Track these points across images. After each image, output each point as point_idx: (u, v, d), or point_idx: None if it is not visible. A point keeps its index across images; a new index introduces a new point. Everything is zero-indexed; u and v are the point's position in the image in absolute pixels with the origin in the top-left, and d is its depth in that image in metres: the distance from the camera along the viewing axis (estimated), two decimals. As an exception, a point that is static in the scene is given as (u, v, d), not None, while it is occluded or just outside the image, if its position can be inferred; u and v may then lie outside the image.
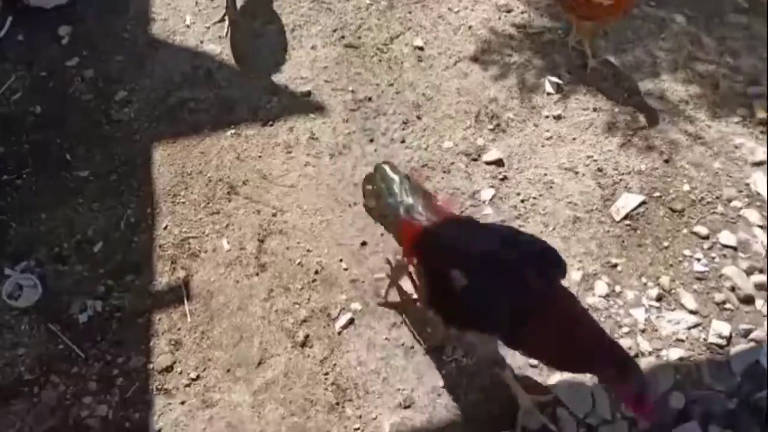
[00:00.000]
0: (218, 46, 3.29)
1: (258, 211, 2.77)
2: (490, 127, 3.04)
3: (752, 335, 2.47)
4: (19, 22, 3.41)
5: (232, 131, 3.00)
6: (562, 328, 1.86)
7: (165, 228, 2.73)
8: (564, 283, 2.04)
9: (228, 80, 3.17)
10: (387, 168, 2.31)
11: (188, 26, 3.37)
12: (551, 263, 1.99)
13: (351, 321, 2.49)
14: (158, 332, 2.48)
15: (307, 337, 2.45)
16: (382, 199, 2.25)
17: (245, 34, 3.35)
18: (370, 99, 3.13)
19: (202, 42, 3.31)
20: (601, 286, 2.59)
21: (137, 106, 3.09)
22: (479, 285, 1.93)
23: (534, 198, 2.83)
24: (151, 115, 3.06)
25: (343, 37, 3.33)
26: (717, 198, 2.81)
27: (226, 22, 3.32)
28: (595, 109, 3.07)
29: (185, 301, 2.54)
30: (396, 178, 2.25)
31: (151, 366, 2.41)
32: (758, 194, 2.82)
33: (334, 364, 2.39)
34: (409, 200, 2.19)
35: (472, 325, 2.06)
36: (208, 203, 2.79)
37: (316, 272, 2.61)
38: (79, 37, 3.35)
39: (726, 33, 3.34)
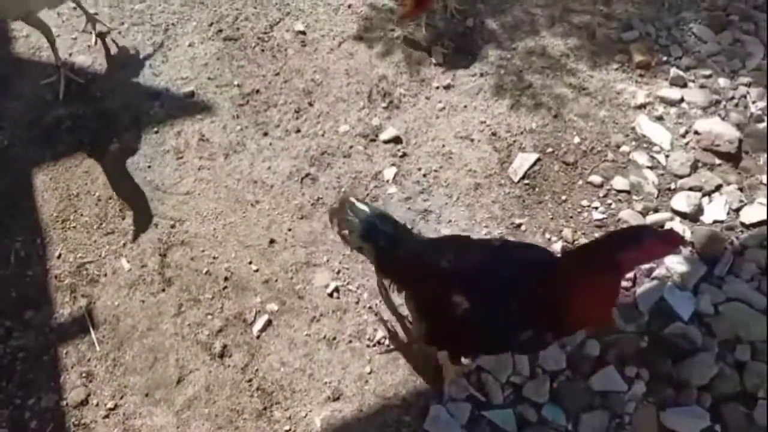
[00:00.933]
0: (89, 57, 3.11)
1: (155, 225, 2.66)
2: (384, 105, 3.02)
3: (654, 273, 2.59)
4: None
5: (115, 145, 2.86)
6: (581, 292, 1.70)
7: (59, 257, 2.58)
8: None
9: (104, 91, 3.01)
10: (354, 201, 2.19)
11: (53, 39, 3.16)
12: (545, 264, 1.90)
13: (268, 323, 2.45)
14: (67, 366, 2.36)
15: (224, 347, 2.39)
16: (355, 232, 2.14)
17: (115, 38, 3.18)
18: (258, 91, 3.05)
19: (71, 54, 3.12)
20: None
21: (10, 132, 2.89)
22: (485, 304, 1.81)
23: (435, 171, 2.85)
24: (26, 139, 2.87)
25: (220, 30, 3.22)
26: (606, 146, 2.92)
27: (93, 33, 3.13)
28: (482, 74, 3.11)
29: (91, 330, 2.42)
30: (366, 209, 2.14)
31: (64, 402, 2.29)
32: (644, 136, 2.95)
33: (257, 370, 2.35)
34: (388, 229, 2.10)
35: (487, 350, 1.99)
36: (101, 224, 2.66)
37: (226, 279, 2.54)
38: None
39: (596, -18, 3.44)
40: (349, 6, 3.32)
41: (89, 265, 2.57)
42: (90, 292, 2.51)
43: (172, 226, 2.65)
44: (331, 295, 2.52)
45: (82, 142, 2.86)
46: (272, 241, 2.64)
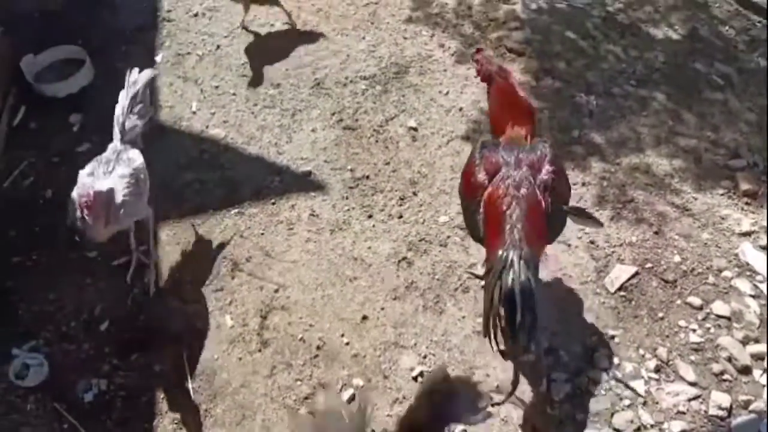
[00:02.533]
0: (223, 131, 3.45)
1: (261, 288, 2.83)
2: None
3: (752, 406, 2.49)
4: (33, 110, 3.58)
5: (236, 210, 3.11)
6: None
7: (171, 306, 2.79)
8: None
9: (232, 162, 3.31)
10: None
11: (194, 112, 3.55)
12: None
13: (353, 397, 2.51)
14: (162, 411, 2.49)
15: (310, 414, 2.46)
16: None
17: (248, 118, 3.52)
18: (367, 177, 3.26)
19: (207, 127, 3.48)
20: (600, 359, 2.62)
21: (144, 188, 3.21)
22: None
23: (529, 270, 2.90)
24: (157, 196, 3.15)
25: (341, 120, 3.51)
26: (707, 268, 2.89)
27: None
28: (583, 184, 3.19)
29: (189, 380, 2.56)
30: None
31: (155, 446, 2.41)
32: (747, 264, 2.90)
33: (337, 441, 2.39)
34: None
35: None
36: (212, 280, 2.87)
37: (318, 347, 2.65)
38: (89, 124, 3.51)
39: (705, 109, 3.52)
40: (460, 109, 3.55)
41: (196, 317, 2.75)
42: (193, 342, 2.67)
43: (276, 291, 2.82)
44: (415, 378, 2.57)
45: (206, 204, 3.13)
46: (365, 318, 2.75)
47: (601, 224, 2.67)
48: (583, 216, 2.54)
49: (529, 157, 2.35)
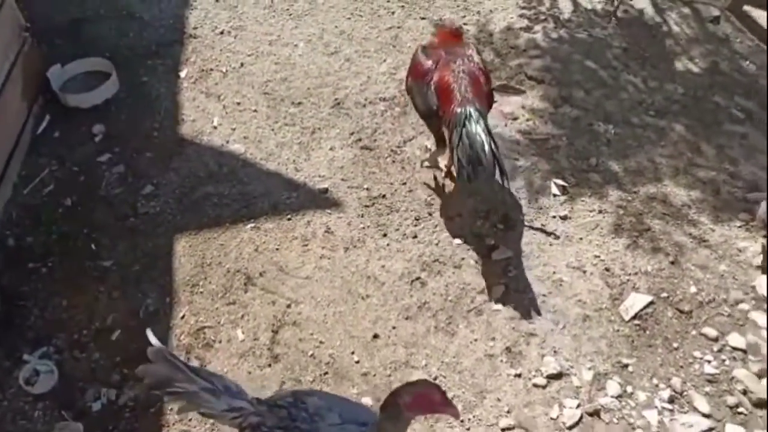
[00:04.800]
0: (243, 146, 3.49)
1: (273, 302, 2.84)
2: (500, 225, 3.15)
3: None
4: (57, 119, 3.65)
5: (252, 224, 3.13)
6: None
7: (182, 317, 2.80)
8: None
9: (250, 177, 3.34)
10: None
11: (215, 127, 3.59)
12: None
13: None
14: (169, 423, 2.48)
15: None
16: None
17: (268, 134, 3.57)
18: (384, 196, 3.28)
19: (227, 142, 3.52)
20: (613, 387, 2.59)
21: (163, 200, 3.25)
22: None
23: (543, 295, 2.89)
24: (175, 208, 3.21)
25: (359, 139, 3.53)
26: (724, 300, 2.86)
27: None
28: (600, 211, 3.18)
29: (198, 391, 2.55)
30: None
31: (160, 457, 2.40)
32: (765, 297, 2.86)
33: (344, 460, 2.37)
34: None
35: None
36: (225, 293, 2.88)
37: (328, 364, 2.64)
38: (111, 135, 3.57)
39: (724, 141, 3.51)
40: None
41: (207, 330, 2.76)
42: (203, 355, 2.67)
43: (288, 306, 2.82)
44: (425, 400, 2.54)
45: (223, 217, 3.16)
46: (376, 336, 2.74)
47: (523, 91, 3.17)
48: (506, 89, 3.20)
49: (461, 51, 3.08)
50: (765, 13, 4.32)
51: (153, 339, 1.94)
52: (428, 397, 1.77)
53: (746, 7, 4.34)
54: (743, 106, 3.70)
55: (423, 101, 3.07)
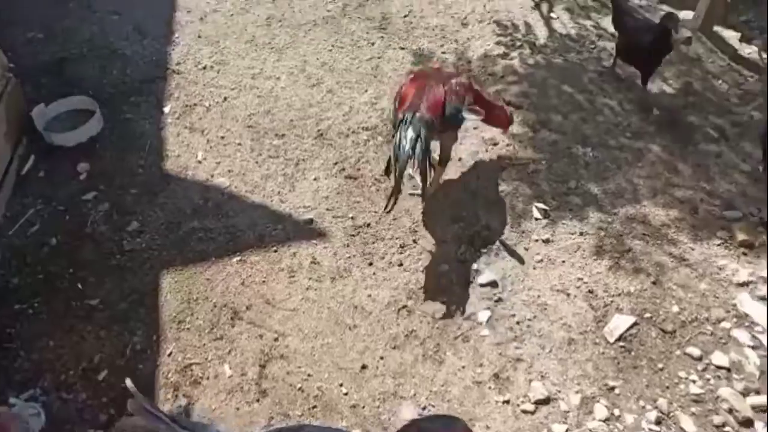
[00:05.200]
0: (227, 180, 3.52)
1: (260, 336, 2.84)
2: (484, 251, 3.19)
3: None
4: (42, 159, 3.67)
5: (238, 258, 3.15)
6: None
7: (169, 355, 2.80)
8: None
9: (236, 210, 3.37)
10: None
11: (200, 162, 3.62)
12: None
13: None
14: (158, 462, 2.46)
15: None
16: None
17: (253, 167, 3.60)
18: (369, 225, 3.31)
19: (212, 176, 3.55)
20: (600, 410, 2.61)
21: (148, 236, 3.26)
22: None
23: (529, 320, 2.91)
24: (161, 244, 3.22)
25: (343, 169, 3.58)
26: (706, 319, 2.90)
27: None
28: (581, 233, 3.23)
29: (186, 429, 2.54)
30: None
31: (148, 498, 2.37)
32: (746, 315, 2.91)
33: (335, 494, 2.36)
34: None
35: None
36: (212, 329, 2.88)
37: (316, 397, 2.64)
38: (96, 173, 3.58)
39: (700, 160, 3.59)
40: (460, 159, 3.62)
41: (195, 366, 2.76)
42: (191, 392, 2.67)
43: (275, 339, 2.83)
44: (415, 430, 2.54)
45: (209, 252, 3.17)
46: (364, 367, 2.75)
47: (481, 114, 3.15)
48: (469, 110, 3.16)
49: (448, 73, 3.27)
50: (734, 33, 4.44)
51: (132, 388, 1.92)
52: None
53: (716, 28, 4.46)
54: (717, 125, 3.79)
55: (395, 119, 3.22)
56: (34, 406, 2.58)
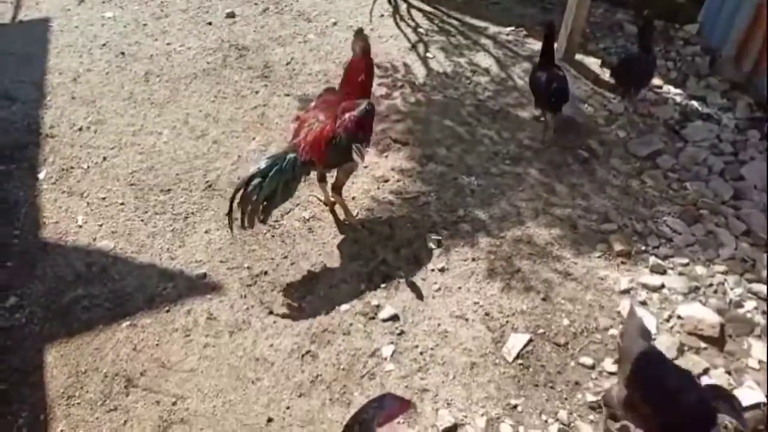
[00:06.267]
0: (112, 242, 3.38)
1: (157, 402, 2.71)
2: (383, 285, 3.22)
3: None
4: None
5: (128, 323, 3.01)
6: None
7: (58, 434, 2.61)
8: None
9: (122, 273, 3.22)
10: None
11: (80, 226, 3.46)
12: None
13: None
14: None
15: None
16: None
17: (139, 225, 3.47)
18: (266, 273, 3.27)
19: (95, 239, 3.39)
20: (506, 430, 2.67)
21: (29, 311, 3.05)
22: None
23: (431, 348, 2.96)
24: (43, 317, 3.02)
25: (236, 219, 3.52)
26: (595, 328, 3.06)
27: None
28: (474, 259, 3.34)
29: None
30: None
31: None
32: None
33: None
34: None
35: None
36: (105, 401, 2.71)
37: (222, 458, 2.54)
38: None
39: (574, 180, 3.83)
40: (353, 198, 3.67)
41: (88, 443, 2.58)
42: (85, 472, 2.49)
43: (174, 404, 2.70)
44: (327, 477, 2.50)
45: (95, 320, 3.01)
46: (270, 420, 2.68)
47: (362, 157, 3.23)
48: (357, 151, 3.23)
49: (348, 106, 3.23)
50: (595, 60, 4.83)
51: None
52: (393, 414, 1.93)
53: (578, 56, 4.83)
54: (587, 145, 4.08)
55: None
56: None
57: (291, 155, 3.11)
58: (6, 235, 3.39)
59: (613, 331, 3.04)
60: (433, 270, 3.31)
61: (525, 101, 4.37)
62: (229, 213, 3.04)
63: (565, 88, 3.90)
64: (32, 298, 3.10)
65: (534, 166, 3.90)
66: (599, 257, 3.39)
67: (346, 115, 3.19)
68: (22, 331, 2.97)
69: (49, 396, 2.74)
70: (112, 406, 2.70)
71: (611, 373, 2.87)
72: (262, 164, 3.06)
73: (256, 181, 3.02)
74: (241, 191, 3.02)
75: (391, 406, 1.92)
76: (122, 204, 3.58)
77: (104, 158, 3.86)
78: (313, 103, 3.40)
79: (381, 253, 3.38)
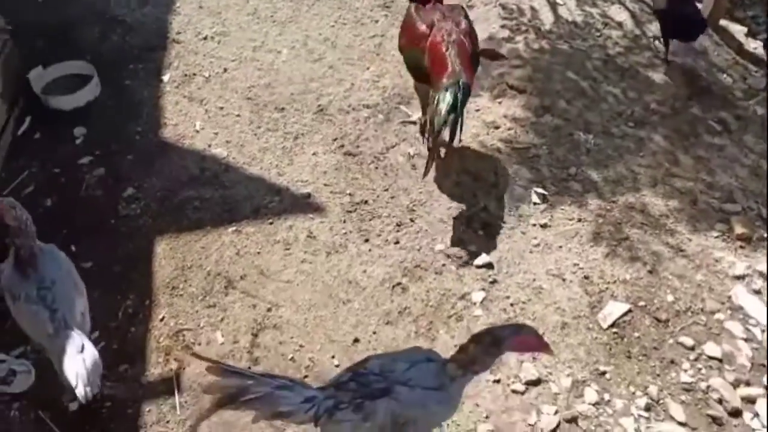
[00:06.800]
0: (225, 150, 3.49)
1: (254, 306, 2.83)
2: (481, 232, 3.17)
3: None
4: (38, 121, 3.63)
5: (234, 228, 3.13)
6: None
7: (162, 320, 2.78)
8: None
9: (232, 181, 3.34)
10: None
11: (198, 131, 3.59)
12: None
13: (340, 420, 2.48)
14: (147, 424, 2.46)
15: (295, 436, 2.44)
16: None
17: (251, 139, 3.57)
18: (366, 202, 3.29)
19: (209, 146, 3.52)
20: (590, 394, 2.61)
21: (144, 203, 3.23)
22: None
23: (523, 302, 2.91)
24: (156, 211, 3.19)
25: (342, 145, 3.55)
26: (701, 309, 2.90)
27: None
28: (579, 220, 3.22)
29: (176, 394, 2.54)
30: None
31: (137, 459, 2.38)
32: (740, 307, 2.91)
33: (321, 465, 2.36)
34: None
35: None
36: (206, 296, 2.86)
37: (307, 368, 2.63)
38: (92, 138, 3.55)
39: (702, 153, 3.57)
40: (460, 141, 3.60)
41: (187, 332, 2.74)
42: (182, 357, 2.66)
43: (269, 310, 2.82)
44: (404, 405, 2.54)
45: (204, 221, 3.15)
46: (356, 340, 2.74)
47: (505, 57, 3.32)
48: (490, 55, 3.39)
49: (451, 14, 3.20)
50: (741, 28, 4.42)
51: (203, 357, 1.96)
52: (528, 341, 1.87)
53: (723, 22, 4.44)
54: (720, 118, 3.78)
55: (415, 65, 3.28)
56: (24, 362, 2.57)
57: (463, 81, 2.99)
58: (130, 131, 3.58)
59: (720, 316, 2.87)
60: (534, 225, 3.21)
61: (657, 62, 4.07)
62: (430, 159, 3.12)
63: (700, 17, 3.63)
64: (148, 192, 3.28)
65: (659, 132, 3.66)
66: (716, 237, 3.18)
67: (462, 25, 3.14)
68: (137, 221, 3.16)
69: (155, 284, 2.92)
70: (212, 303, 2.84)
71: (711, 358, 2.73)
72: (449, 98, 2.96)
73: (451, 117, 2.99)
74: (439, 131, 3.02)
75: (528, 336, 1.88)
76: (238, 116, 3.68)
77: (225, 69, 3.95)
78: (418, 22, 3.22)
79: (483, 199, 3.32)
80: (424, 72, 3.18)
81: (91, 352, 2.18)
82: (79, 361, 2.14)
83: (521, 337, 1.87)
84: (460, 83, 2.96)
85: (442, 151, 3.51)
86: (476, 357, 1.90)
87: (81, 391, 2.11)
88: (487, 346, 1.88)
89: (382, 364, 1.96)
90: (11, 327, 2.70)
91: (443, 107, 2.95)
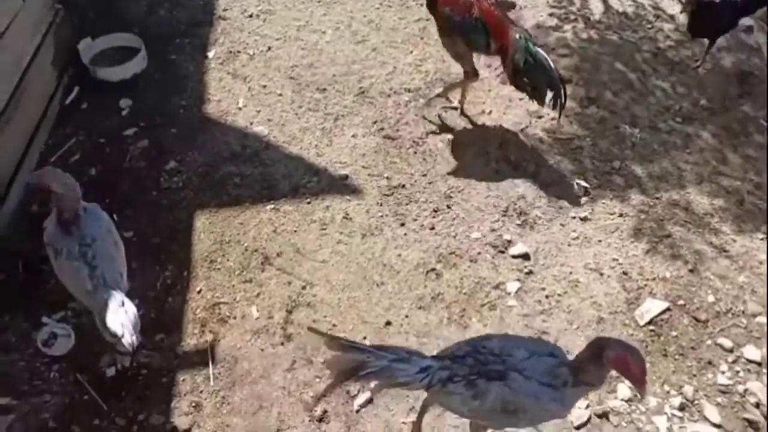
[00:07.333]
0: (266, 128, 3.51)
1: (289, 283, 2.85)
2: (518, 222, 3.14)
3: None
4: (86, 91, 3.70)
5: (272, 206, 3.15)
6: None
7: (199, 292, 2.82)
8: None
9: (272, 159, 3.36)
10: None
11: (240, 108, 3.62)
12: None
13: (370, 400, 2.50)
14: (181, 393, 2.51)
15: (325, 412, 2.46)
16: None
17: (292, 118, 3.58)
18: (403, 186, 3.28)
19: (251, 123, 3.54)
20: (623, 390, 2.58)
21: (185, 176, 3.28)
22: None
23: (559, 295, 2.87)
24: (197, 185, 3.24)
25: (382, 128, 3.54)
26: (742, 312, 2.83)
27: None
28: (621, 215, 3.16)
29: (210, 365, 2.58)
30: None
31: (170, 426, 2.42)
32: (785, 310, 2.83)
33: (350, 442, 2.38)
34: None
35: None
36: (243, 271, 2.90)
37: (340, 348, 2.65)
38: (138, 110, 3.61)
39: (750, 152, 3.47)
40: (501, 125, 3.56)
41: (223, 305, 2.78)
42: (218, 329, 2.70)
43: (303, 288, 2.84)
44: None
45: (243, 197, 3.18)
46: (388, 323, 2.74)
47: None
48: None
49: None
50: (799, 26, 4.26)
51: (319, 332, 2.03)
52: (628, 363, 1.78)
53: (781, 19, 4.28)
54: (773, 117, 3.66)
55: (463, 31, 3.26)
56: (64, 327, 2.64)
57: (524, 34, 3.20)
58: (174, 104, 3.62)
59: (761, 319, 2.80)
60: (574, 217, 3.17)
61: (708, 57, 3.96)
62: (562, 103, 3.19)
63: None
64: (190, 166, 3.32)
65: (707, 129, 3.56)
66: (762, 239, 3.09)
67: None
68: (178, 194, 3.20)
69: (194, 257, 2.96)
70: (248, 278, 2.88)
71: (750, 361, 2.67)
72: (524, 43, 3.14)
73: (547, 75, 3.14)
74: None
75: (632, 359, 1.77)
76: (280, 95, 3.70)
77: (269, 48, 3.97)
78: None
79: (522, 189, 3.28)
80: (487, 41, 3.25)
81: (132, 308, 2.23)
82: (122, 313, 2.19)
83: (624, 356, 1.77)
84: (525, 34, 3.20)
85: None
86: (583, 363, 1.86)
87: (128, 339, 2.16)
88: (591, 353, 1.83)
89: (502, 346, 1.94)
90: (54, 288, 2.79)
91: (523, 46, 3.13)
